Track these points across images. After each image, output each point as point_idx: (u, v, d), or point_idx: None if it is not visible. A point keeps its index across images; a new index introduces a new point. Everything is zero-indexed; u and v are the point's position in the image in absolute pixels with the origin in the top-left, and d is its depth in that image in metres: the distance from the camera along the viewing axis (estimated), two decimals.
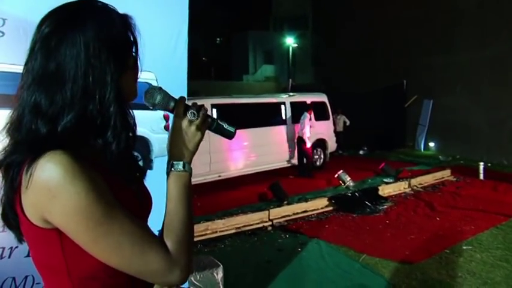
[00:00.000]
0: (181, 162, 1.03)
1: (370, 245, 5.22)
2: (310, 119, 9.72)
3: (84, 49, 0.90)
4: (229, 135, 1.11)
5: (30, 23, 2.15)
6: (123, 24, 0.99)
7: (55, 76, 0.90)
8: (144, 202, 1.05)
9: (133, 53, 1.02)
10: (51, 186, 0.83)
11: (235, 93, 14.19)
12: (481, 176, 9.21)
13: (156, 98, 1.04)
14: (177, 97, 1.07)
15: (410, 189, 8.25)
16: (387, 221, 6.26)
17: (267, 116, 10.00)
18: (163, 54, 2.54)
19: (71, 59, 0.90)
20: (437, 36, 12.83)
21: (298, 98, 10.84)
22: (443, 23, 12.59)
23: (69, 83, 0.90)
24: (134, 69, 1.02)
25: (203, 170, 7.87)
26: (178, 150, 1.04)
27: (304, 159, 9.92)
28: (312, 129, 9.83)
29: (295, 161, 10.10)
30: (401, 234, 5.63)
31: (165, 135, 2.77)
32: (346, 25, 15.79)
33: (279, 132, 9.98)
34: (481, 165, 9.32)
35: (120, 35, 0.98)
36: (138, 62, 1.03)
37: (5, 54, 2.07)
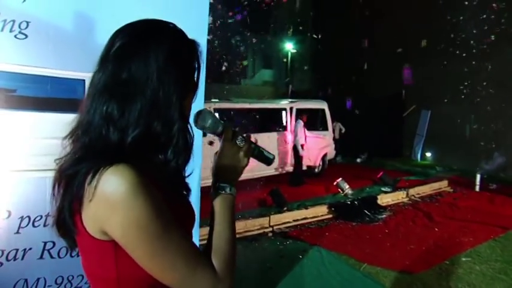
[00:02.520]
0: (228, 186, 1.07)
1: (370, 254, 5.25)
2: (304, 126, 9.66)
3: (156, 65, 0.93)
4: (268, 161, 1.15)
5: (53, 26, 2.18)
6: (192, 49, 1.03)
7: (126, 86, 0.92)
8: (190, 217, 1.07)
9: (195, 78, 1.05)
10: (114, 198, 0.85)
11: (234, 97, 14.19)
12: (477, 188, 9.29)
13: (208, 121, 1.07)
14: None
15: (408, 199, 8.30)
16: (386, 231, 6.29)
17: (269, 121, 10.00)
18: None
19: (143, 72, 0.92)
20: (437, 47, 12.93)
21: (300, 104, 10.85)
22: (443, 33, 12.70)
23: (139, 95, 0.92)
24: (194, 92, 1.06)
25: (205, 174, 7.84)
26: (226, 173, 1.07)
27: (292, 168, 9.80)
28: (317, 141, 9.78)
29: (288, 168, 10.05)
30: (401, 244, 5.66)
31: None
32: (345, 34, 15.85)
33: (281, 139, 9.96)
34: (478, 177, 9.40)
35: (188, 59, 1.01)
36: (197, 87, 1.07)
37: (27, 57, 2.07)
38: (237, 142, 1.08)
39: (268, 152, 1.15)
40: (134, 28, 0.99)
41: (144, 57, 0.93)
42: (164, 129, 0.95)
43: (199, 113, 1.07)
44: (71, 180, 0.91)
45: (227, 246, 1.00)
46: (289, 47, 26.45)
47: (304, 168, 10.15)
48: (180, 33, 1.02)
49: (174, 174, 0.99)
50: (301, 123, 9.63)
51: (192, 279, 0.91)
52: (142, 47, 0.94)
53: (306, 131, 9.83)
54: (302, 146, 9.58)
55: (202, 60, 1.05)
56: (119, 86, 0.92)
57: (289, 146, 9.83)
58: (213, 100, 9.56)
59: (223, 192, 1.06)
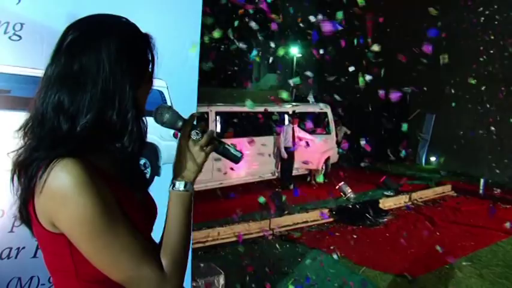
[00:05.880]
0: (183, 182, 1.04)
1: (370, 257, 5.23)
2: (293, 130, 9.52)
3: (107, 57, 0.94)
4: (235, 160, 1.10)
5: (47, 28, 2.21)
6: (144, 42, 1.04)
7: (78, 77, 0.93)
8: (149, 210, 1.08)
9: (150, 70, 1.06)
10: (61, 194, 0.87)
11: (239, 101, 14.20)
12: (481, 191, 9.22)
13: (165, 116, 1.07)
14: (185, 115, 1.08)
15: (410, 203, 8.26)
16: (387, 234, 6.28)
17: (271, 125, 10.01)
18: (175, 63, 2.57)
19: (94, 63, 0.93)
20: (443, 50, 12.87)
21: (302, 108, 10.85)
22: (450, 38, 12.64)
23: (90, 84, 0.93)
24: (149, 84, 1.07)
25: (205, 177, 7.87)
26: (182, 169, 1.04)
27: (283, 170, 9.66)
28: (319, 144, 9.73)
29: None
30: (402, 248, 5.63)
31: (174, 143, 2.81)
32: (350, 37, 15.85)
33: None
34: (482, 181, 9.34)
35: (140, 51, 1.03)
36: (153, 79, 1.08)
37: (21, 58, 2.11)
38: (191, 136, 1.04)
39: (236, 150, 1.11)
40: (86, 23, 1.00)
41: (96, 49, 0.94)
42: (118, 118, 0.95)
43: (157, 109, 1.07)
44: (26, 170, 0.93)
45: (178, 247, 0.99)
46: (294, 51, 26.43)
47: (304, 172, 10.07)
48: (132, 27, 1.03)
49: (129, 163, 1.00)
50: (290, 126, 9.58)
51: (137, 276, 0.91)
52: (94, 40, 0.95)
53: (307, 135, 9.79)
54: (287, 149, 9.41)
55: (156, 52, 1.06)
56: (71, 76, 0.93)
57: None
58: (217, 104, 9.60)
59: (177, 189, 1.03)
